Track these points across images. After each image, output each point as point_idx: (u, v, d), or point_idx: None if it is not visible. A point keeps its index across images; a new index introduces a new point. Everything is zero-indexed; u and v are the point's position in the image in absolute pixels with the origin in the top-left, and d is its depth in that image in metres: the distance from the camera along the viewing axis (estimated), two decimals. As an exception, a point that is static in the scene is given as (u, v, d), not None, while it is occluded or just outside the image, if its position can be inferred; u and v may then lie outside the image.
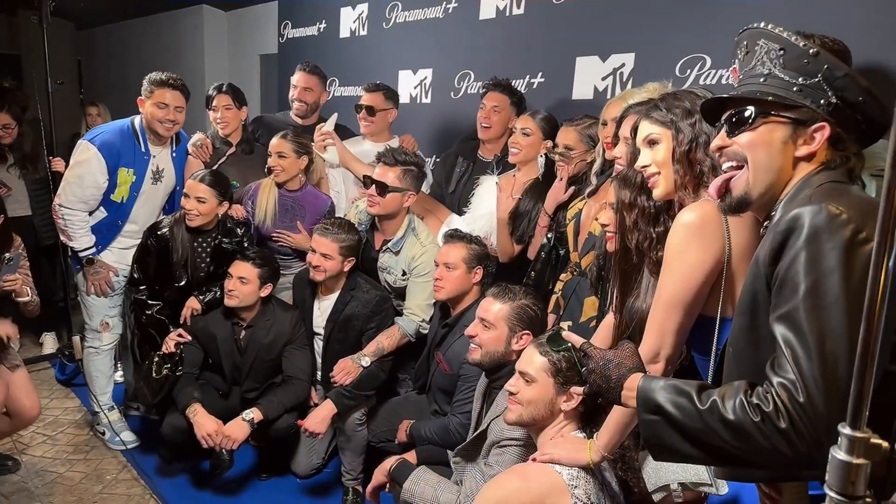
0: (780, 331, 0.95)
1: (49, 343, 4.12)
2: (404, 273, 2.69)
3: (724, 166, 1.17)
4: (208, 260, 2.83)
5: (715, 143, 1.18)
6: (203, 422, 2.51)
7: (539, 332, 1.96)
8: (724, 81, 2.44)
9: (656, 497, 1.54)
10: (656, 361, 1.41)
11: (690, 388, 1.04)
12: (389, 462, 2.07)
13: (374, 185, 2.58)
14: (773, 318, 0.98)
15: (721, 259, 1.32)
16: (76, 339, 3.54)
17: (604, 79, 2.85)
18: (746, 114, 1.11)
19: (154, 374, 2.77)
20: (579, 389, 1.50)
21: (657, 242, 1.54)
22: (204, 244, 2.83)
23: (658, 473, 1.53)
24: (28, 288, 2.57)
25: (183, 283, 2.82)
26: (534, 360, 1.62)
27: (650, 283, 1.66)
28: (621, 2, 2.77)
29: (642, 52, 2.71)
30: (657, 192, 1.47)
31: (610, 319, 1.84)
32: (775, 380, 0.94)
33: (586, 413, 1.60)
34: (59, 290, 3.95)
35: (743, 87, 1.14)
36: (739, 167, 1.14)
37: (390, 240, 2.69)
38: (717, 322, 1.37)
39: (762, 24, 1.12)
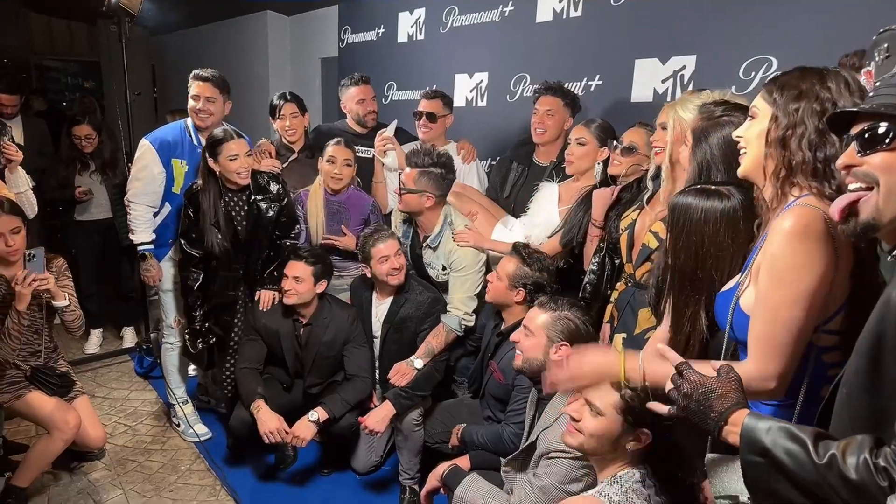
0: None
1: (129, 337, 4.40)
2: (444, 268, 2.77)
3: (851, 186, 1.05)
4: (247, 218, 2.88)
5: (842, 160, 1.06)
6: (266, 418, 2.64)
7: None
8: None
9: None
10: (773, 381, 1.28)
11: (805, 435, 0.97)
12: (443, 467, 2.12)
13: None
14: None
15: (832, 262, 1.22)
16: (154, 335, 3.79)
17: (664, 81, 2.78)
18: (881, 131, 0.97)
19: (192, 350, 2.99)
20: (649, 433, 1.46)
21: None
22: (240, 203, 2.88)
23: (729, 484, 1.45)
24: (68, 294, 2.62)
25: (217, 240, 2.84)
26: (604, 393, 1.51)
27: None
28: (681, 2, 2.69)
29: (704, 54, 2.63)
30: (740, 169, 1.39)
31: (661, 333, 1.82)
32: None
33: (651, 455, 1.52)
34: (138, 287, 4.22)
35: (879, 98, 1.00)
36: (869, 188, 1.01)
37: (429, 236, 2.77)
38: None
39: None
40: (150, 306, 4.09)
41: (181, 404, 3.28)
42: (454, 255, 2.71)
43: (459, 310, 2.71)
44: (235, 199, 2.87)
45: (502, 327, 2.46)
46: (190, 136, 3.12)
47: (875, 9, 2.10)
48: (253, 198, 2.88)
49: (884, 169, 0.98)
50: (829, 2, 2.24)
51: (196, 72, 3.09)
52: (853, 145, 1.03)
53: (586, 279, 2.42)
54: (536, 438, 1.93)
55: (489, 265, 2.76)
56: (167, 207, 3.13)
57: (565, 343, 1.96)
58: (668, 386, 1.27)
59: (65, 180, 4.01)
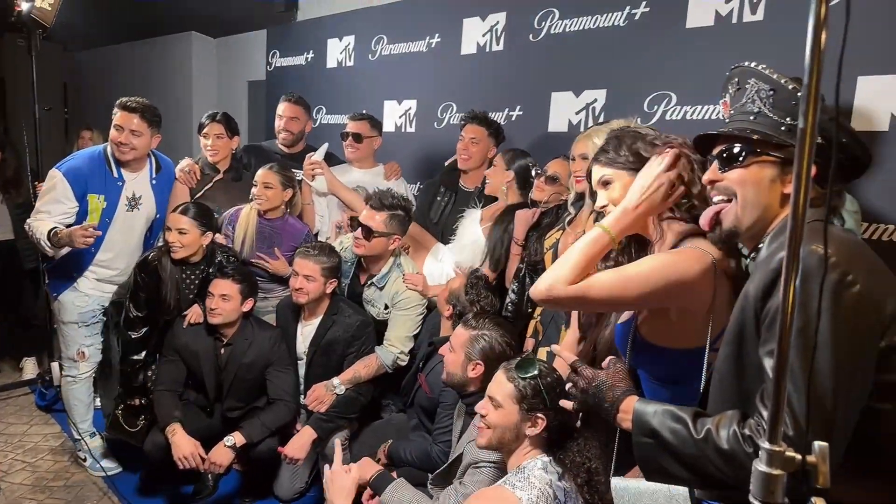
0: (770, 366, 0.97)
1: (29, 368, 4.07)
2: (387, 307, 2.77)
3: (715, 199, 1.23)
4: (196, 292, 2.83)
5: (707, 176, 1.24)
6: (180, 443, 2.53)
7: (496, 366, 2.00)
8: (688, 118, 2.59)
9: None
10: (554, 293, 1.34)
11: (686, 414, 1.10)
12: (372, 469, 2.11)
13: (360, 228, 2.65)
14: (763, 352, 1.04)
15: (701, 290, 1.32)
16: (55, 365, 3.54)
17: (577, 113, 2.99)
18: (736, 151, 1.16)
19: (129, 429, 2.80)
20: (543, 417, 1.58)
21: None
22: (193, 276, 2.83)
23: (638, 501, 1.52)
24: None
25: (172, 317, 2.83)
26: (502, 386, 1.65)
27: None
28: (594, 41, 2.92)
29: (613, 89, 2.86)
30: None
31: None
32: (766, 413, 0.96)
33: (551, 439, 1.63)
34: (41, 314, 3.94)
35: (734, 124, 1.19)
36: (729, 200, 1.19)
37: (375, 275, 2.77)
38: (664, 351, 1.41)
39: (753, 64, 1.17)
40: (54, 335, 3.83)
41: (87, 438, 3.06)
42: (401, 294, 2.71)
43: (396, 347, 2.70)
44: (188, 271, 2.82)
45: (434, 339, 2.51)
46: (109, 167, 2.87)
47: (758, 52, 2.36)
48: (207, 272, 2.82)
49: (740, 183, 1.17)
50: (719, 46, 2.51)
51: (123, 100, 2.84)
52: (715, 163, 1.21)
53: (508, 299, 2.50)
54: (463, 451, 1.96)
55: (430, 308, 2.79)
56: None
57: (479, 362, 2.02)
58: (568, 384, 1.39)
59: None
